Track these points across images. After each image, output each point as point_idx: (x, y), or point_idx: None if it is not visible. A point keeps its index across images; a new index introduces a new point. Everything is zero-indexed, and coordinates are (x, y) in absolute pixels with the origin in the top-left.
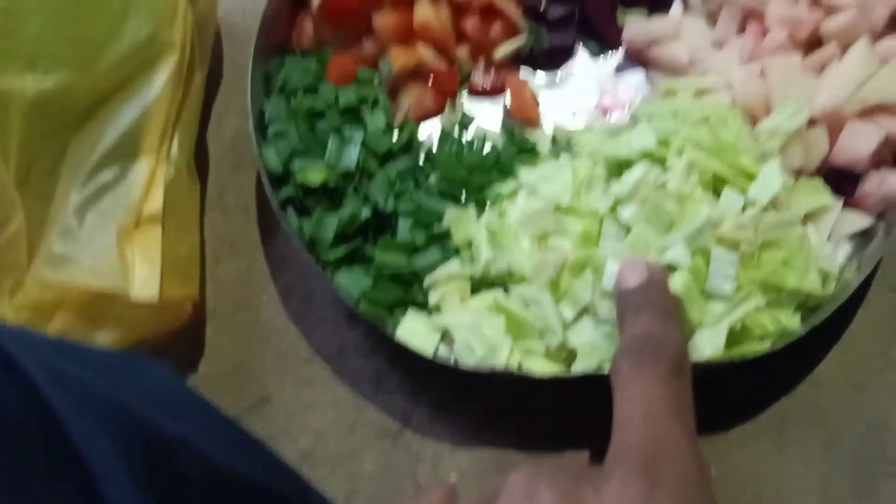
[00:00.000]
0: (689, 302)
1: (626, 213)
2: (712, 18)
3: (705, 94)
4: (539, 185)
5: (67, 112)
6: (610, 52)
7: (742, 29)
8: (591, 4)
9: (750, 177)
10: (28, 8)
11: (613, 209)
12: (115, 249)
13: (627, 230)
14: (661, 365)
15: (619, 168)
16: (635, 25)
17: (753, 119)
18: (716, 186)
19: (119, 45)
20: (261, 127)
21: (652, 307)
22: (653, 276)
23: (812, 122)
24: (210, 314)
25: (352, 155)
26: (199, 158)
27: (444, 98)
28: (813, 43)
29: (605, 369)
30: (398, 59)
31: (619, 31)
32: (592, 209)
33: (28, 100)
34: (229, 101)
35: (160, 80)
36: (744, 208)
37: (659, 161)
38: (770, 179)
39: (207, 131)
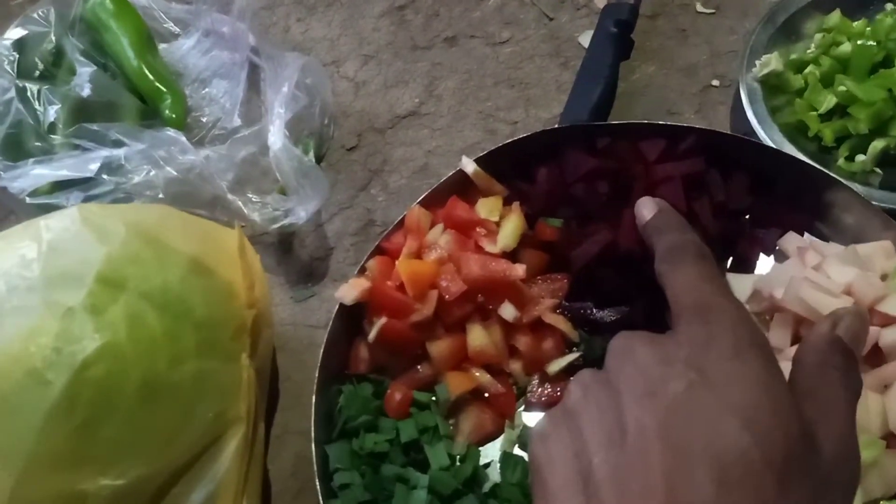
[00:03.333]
0: None
1: None
2: (762, 321)
3: None
4: None
5: (141, 497)
6: None
7: (797, 337)
8: (641, 311)
9: None
10: (105, 416)
11: None
12: None
13: None
14: (688, 258)
15: None
16: None
17: None
18: None
19: (189, 430)
20: (325, 471)
21: (669, 226)
22: (660, 205)
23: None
24: None
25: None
26: (262, 489)
27: (502, 419)
28: (878, 355)
29: None
30: (456, 385)
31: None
32: None
33: (103, 498)
34: (287, 420)
35: (228, 453)
36: None
37: None
38: None
39: (267, 456)
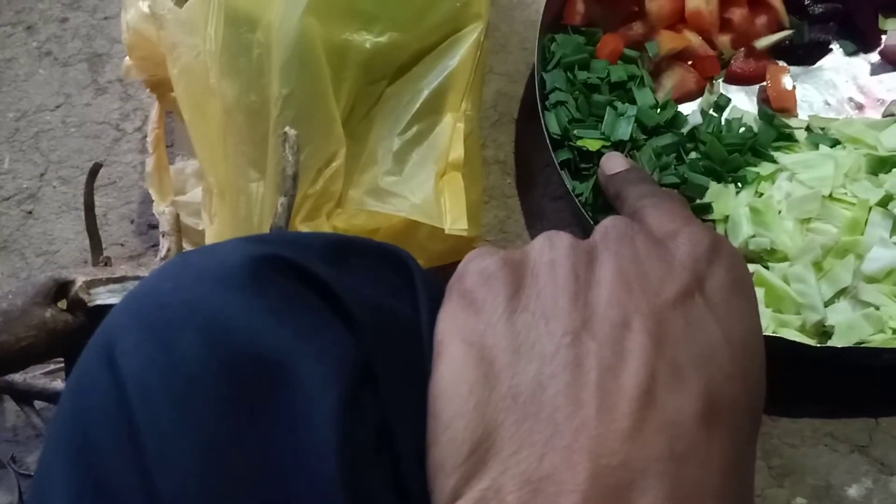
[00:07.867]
0: None
1: None
2: None
3: None
4: (798, 171)
5: (389, 65)
6: (864, 52)
7: None
8: (856, 6)
9: None
10: None
11: (883, 202)
12: (433, 189)
13: (893, 220)
14: (676, 200)
15: (880, 164)
16: None
17: None
18: None
19: (437, 11)
20: (543, 94)
21: (644, 180)
22: (632, 163)
23: None
24: None
25: (625, 127)
26: None
27: (704, 81)
28: None
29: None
30: (667, 42)
31: (879, 33)
32: (862, 199)
33: (364, 52)
34: (492, 63)
35: (465, 45)
36: None
37: None
38: None
39: None
